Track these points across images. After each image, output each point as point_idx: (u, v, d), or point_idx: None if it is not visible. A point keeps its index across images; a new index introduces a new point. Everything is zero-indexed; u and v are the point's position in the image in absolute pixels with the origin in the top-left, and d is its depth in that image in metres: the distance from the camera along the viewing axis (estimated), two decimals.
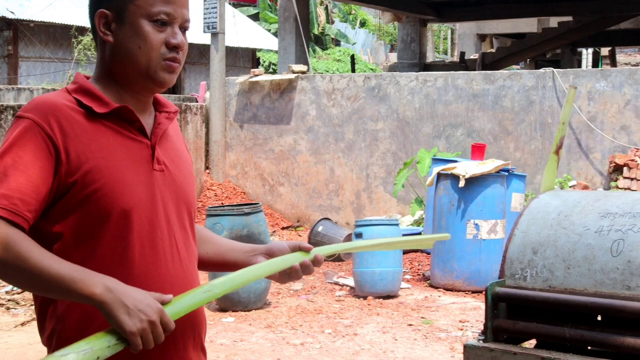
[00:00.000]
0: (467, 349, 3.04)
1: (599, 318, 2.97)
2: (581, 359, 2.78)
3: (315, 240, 12.98)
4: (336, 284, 10.94)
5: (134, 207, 2.37)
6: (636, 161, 12.74)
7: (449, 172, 10.46)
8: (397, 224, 10.40)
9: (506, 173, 10.68)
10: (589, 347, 2.95)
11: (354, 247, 2.81)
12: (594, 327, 2.90)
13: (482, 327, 3.05)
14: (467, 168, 10.35)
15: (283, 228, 15.79)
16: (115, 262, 2.35)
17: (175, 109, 2.59)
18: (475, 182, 10.32)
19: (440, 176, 10.64)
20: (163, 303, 2.25)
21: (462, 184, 10.22)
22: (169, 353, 2.40)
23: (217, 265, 2.76)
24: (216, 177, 17.02)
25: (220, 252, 2.74)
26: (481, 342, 3.04)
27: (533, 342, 3.21)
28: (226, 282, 2.39)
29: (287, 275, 2.60)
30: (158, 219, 2.43)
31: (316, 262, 2.64)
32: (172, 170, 2.50)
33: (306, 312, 9.37)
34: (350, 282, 10.60)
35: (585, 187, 12.97)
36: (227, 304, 9.45)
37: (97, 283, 2.20)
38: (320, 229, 13.05)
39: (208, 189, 16.75)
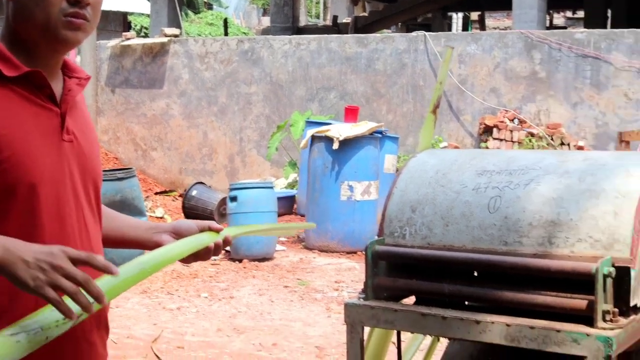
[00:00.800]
0: (348, 307, 3.04)
1: (477, 274, 3.01)
2: (459, 314, 2.81)
3: (190, 204, 12.89)
4: None
5: (42, 180, 2.17)
6: (505, 122, 13.00)
7: (323, 134, 10.49)
8: (271, 187, 10.41)
9: (379, 135, 10.78)
10: (467, 302, 2.99)
11: (253, 230, 2.79)
12: (473, 282, 2.94)
13: (357, 287, 3.07)
14: (340, 130, 10.40)
15: (156, 193, 15.64)
16: (24, 240, 2.07)
17: (87, 76, 2.38)
18: (349, 144, 10.37)
19: (314, 139, 10.67)
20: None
21: (336, 146, 10.27)
22: (75, 339, 2.22)
23: (115, 242, 2.56)
24: None
25: (120, 229, 2.57)
26: (362, 300, 3.05)
27: (413, 299, 3.24)
28: (155, 257, 2.22)
29: (193, 256, 2.46)
30: (66, 194, 2.24)
31: (226, 243, 2.53)
32: (81, 140, 2.31)
33: (182, 277, 9.31)
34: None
35: (456, 149, 13.18)
36: None
37: None
38: (194, 193, 12.96)
39: None
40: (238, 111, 15.23)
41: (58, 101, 2.28)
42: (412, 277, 3.02)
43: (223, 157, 15.51)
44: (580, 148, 12.35)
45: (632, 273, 2.67)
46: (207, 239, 2.49)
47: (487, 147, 12.88)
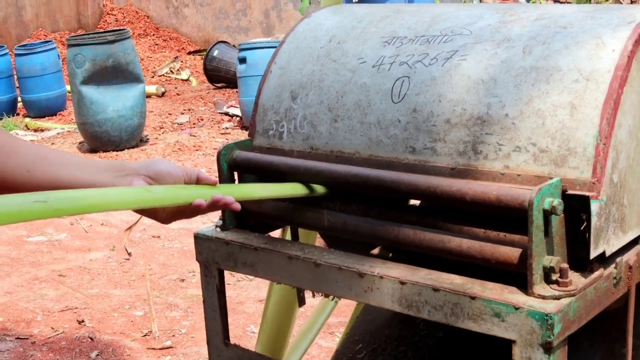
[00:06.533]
0: (198, 240, 2.08)
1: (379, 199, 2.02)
2: (340, 260, 1.82)
3: (211, 65, 11.94)
4: (226, 114, 9.94)
5: None
6: None
7: None
8: None
9: None
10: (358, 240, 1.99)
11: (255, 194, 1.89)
12: (367, 210, 1.94)
13: None
14: None
15: (189, 53, 14.77)
16: None
17: None
18: None
19: None
20: None
21: None
22: None
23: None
24: (117, 0, 15.79)
25: (51, 170, 1.55)
26: (218, 230, 2.08)
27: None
28: (71, 198, 1.37)
29: (178, 212, 1.75)
30: None
31: (219, 205, 1.75)
32: None
33: (183, 149, 8.42)
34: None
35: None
36: (97, 144, 8.49)
37: None
38: (215, 53, 11.96)
39: (108, 14, 15.56)
40: None
41: None
42: (286, 199, 2.03)
43: (258, 13, 14.48)
44: (634, 2, 10.99)
45: (594, 206, 1.62)
46: (193, 194, 1.66)
47: None
